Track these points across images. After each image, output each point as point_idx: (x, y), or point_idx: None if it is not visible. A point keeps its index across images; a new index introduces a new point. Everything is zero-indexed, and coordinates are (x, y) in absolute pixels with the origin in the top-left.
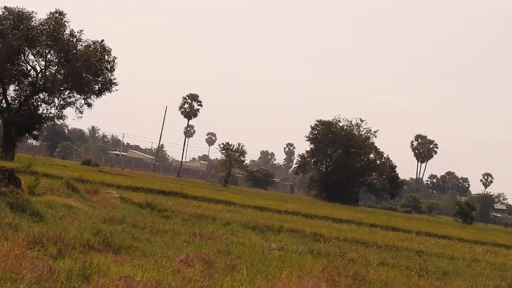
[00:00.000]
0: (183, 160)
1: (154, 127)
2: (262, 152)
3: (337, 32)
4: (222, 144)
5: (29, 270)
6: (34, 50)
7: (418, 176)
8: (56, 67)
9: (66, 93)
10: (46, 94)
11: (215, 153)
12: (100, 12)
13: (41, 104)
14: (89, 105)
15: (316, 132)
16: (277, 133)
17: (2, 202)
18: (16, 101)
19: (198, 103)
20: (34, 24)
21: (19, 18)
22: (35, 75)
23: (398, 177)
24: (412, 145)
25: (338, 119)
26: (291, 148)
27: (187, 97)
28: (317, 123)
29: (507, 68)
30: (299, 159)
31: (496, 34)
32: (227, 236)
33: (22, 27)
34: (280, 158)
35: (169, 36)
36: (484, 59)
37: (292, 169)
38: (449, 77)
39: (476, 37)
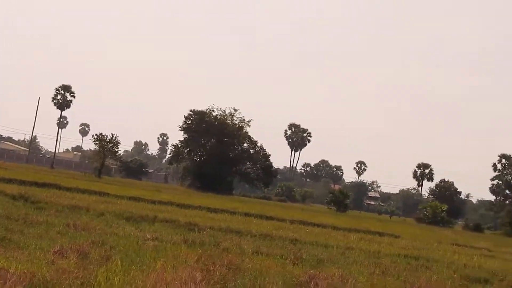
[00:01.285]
0: (57, 151)
1: (27, 119)
2: (136, 143)
3: (199, 18)
4: (96, 135)
5: None
6: None
7: (292, 165)
8: None
9: None
10: None
11: (89, 144)
12: None
13: None
14: None
15: (189, 122)
16: (150, 123)
17: None
18: None
19: (71, 94)
20: None
21: None
22: None
23: (272, 166)
24: (285, 134)
25: (211, 109)
26: (165, 138)
27: (60, 88)
28: (191, 113)
29: (377, 50)
30: (173, 149)
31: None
32: (102, 227)
33: None
34: (154, 148)
35: (42, 26)
36: (352, 44)
37: (166, 159)
38: (323, 64)
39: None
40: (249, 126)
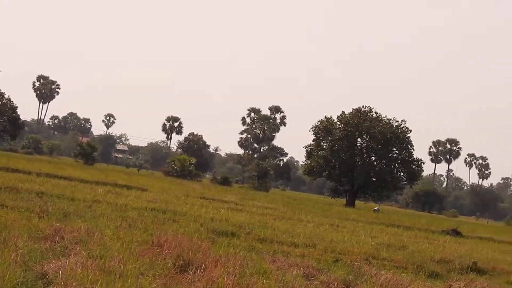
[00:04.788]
0: None
1: None
2: None
3: None
4: None
5: None
6: None
7: (40, 117)
8: None
9: None
10: None
11: None
12: None
13: None
14: None
15: None
16: None
17: None
18: None
19: None
20: None
21: None
22: None
23: (19, 118)
24: (34, 85)
25: None
26: None
27: None
28: None
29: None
30: None
31: None
32: None
33: None
34: None
35: None
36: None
37: None
38: (103, 11)
39: None
40: None
